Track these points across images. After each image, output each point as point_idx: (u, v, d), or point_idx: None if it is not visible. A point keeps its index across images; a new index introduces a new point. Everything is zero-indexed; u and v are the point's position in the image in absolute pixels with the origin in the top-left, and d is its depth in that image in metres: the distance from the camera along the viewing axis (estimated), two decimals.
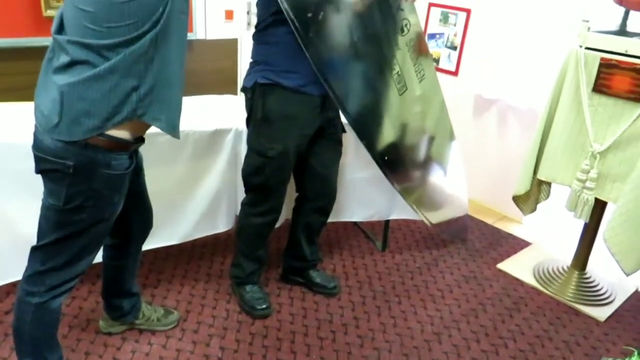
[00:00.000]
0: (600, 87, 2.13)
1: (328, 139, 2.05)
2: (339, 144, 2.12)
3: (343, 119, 2.01)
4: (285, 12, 1.63)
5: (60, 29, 1.34)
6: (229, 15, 3.35)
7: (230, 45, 3.38)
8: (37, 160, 1.36)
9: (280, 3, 1.62)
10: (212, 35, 3.27)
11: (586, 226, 2.46)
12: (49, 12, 2.63)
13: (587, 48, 2.16)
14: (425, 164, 2.49)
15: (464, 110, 3.27)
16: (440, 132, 2.52)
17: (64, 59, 1.29)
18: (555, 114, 2.30)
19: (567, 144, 2.27)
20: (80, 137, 1.29)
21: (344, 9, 1.79)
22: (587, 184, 2.22)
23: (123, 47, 1.27)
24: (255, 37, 1.87)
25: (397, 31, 2.02)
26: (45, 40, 2.58)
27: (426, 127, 2.40)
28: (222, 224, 2.30)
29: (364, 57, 1.91)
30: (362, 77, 1.93)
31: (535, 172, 2.40)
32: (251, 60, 1.90)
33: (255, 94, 1.86)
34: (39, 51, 2.56)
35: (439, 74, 2.50)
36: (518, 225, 3.13)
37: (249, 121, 1.94)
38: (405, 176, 2.35)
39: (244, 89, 1.93)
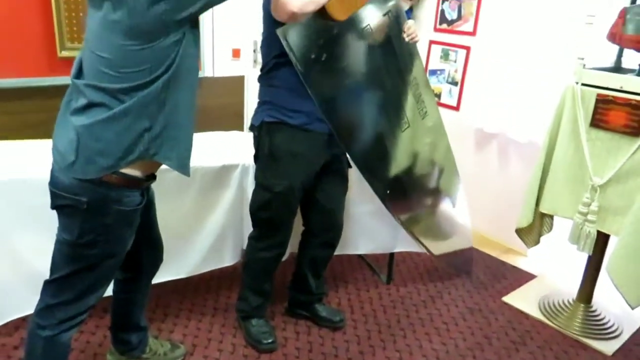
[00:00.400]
0: (597, 121, 2.19)
1: (334, 175, 2.11)
2: (344, 179, 2.17)
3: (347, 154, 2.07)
4: (289, 54, 1.71)
5: (79, 73, 1.42)
6: (236, 53, 3.47)
7: (237, 83, 3.48)
8: (53, 196, 1.42)
9: (284, 45, 1.70)
10: (219, 73, 3.38)
11: (590, 259, 2.48)
12: (64, 53, 2.75)
13: (583, 84, 2.23)
14: (431, 195, 2.53)
15: (466, 144, 3.33)
16: (446, 164, 2.57)
17: (81, 101, 1.37)
18: (555, 147, 2.35)
19: (568, 177, 2.31)
20: (94, 175, 1.35)
21: (347, 51, 1.87)
22: (589, 216, 2.25)
23: (137, 91, 1.34)
24: (260, 79, 1.96)
25: (399, 70, 2.10)
26: (60, 80, 2.72)
27: (431, 160, 2.46)
28: (229, 258, 2.34)
29: (366, 96, 1.98)
30: (364, 115, 2.00)
31: (537, 205, 2.43)
32: (258, 100, 1.98)
33: (262, 132, 1.93)
34: (53, 90, 2.71)
35: (440, 109, 2.56)
36: (522, 258, 3.14)
37: (256, 158, 2.01)
38: (409, 207, 2.39)
39: (251, 127, 2.00)
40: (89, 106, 1.35)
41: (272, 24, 1.74)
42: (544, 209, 2.41)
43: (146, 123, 1.37)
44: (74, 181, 1.36)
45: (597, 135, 2.20)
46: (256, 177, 2.02)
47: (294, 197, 1.99)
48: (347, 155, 2.10)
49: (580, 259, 2.59)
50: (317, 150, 1.96)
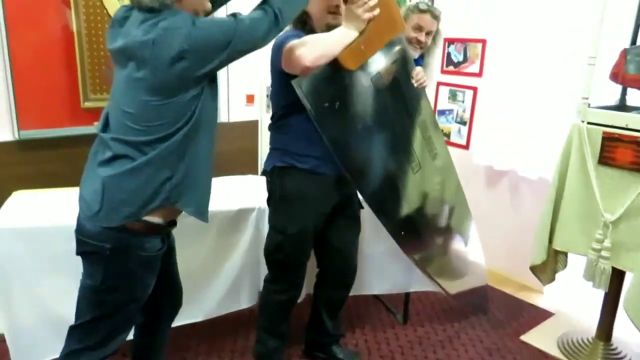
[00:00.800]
0: (605, 159, 2.23)
1: (346, 216, 2.15)
2: (357, 220, 2.22)
3: (360, 196, 2.12)
4: (303, 102, 1.80)
5: (105, 127, 1.51)
6: (250, 99, 3.59)
7: (251, 127, 3.59)
8: (79, 242, 1.49)
9: (299, 95, 1.78)
10: (234, 118, 3.50)
11: (607, 295, 2.46)
12: (87, 104, 2.88)
13: (589, 123, 2.28)
14: (444, 234, 2.56)
15: (477, 182, 3.37)
16: (457, 203, 2.60)
17: (107, 153, 1.45)
18: (565, 185, 2.38)
19: (579, 214, 2.33)
20: (118, 223, 1.42)
21: (358, 98, 1.95)
22: (603, 253, 2.26)
23: (159, 143, 1.43)
24: (271, 127, 2.04)
25: (409, 114, 2.17)
26: (82, 130, 2.85)
27: (442, 199, 2.50)
28: (245, 301, 2.37)
29: (377, 140, 2.05)
30: (376, 158, 2.06)
31: (550, 242, 2.45)
32: (270, 147, 2.06)
33: (274, 176, 2.00)
34: (76, 140, 2.83)
35: (450, 148, 2.62)
36: (539, 295, 3.12)
37: (269, 201, 2.07)
38: (422, 247, 2.41)
39: (264, 172, 2.07)
40: (114, 158, 1.44)
41: (280, 77, 1.84)
42: (557, 246, 2.42)
43: (167, 173, 1.44)
44: (98, 229, 1.43)
45: (606, 173, 2.24)
46: (269, 221, 2.07)
47: (306, 240, 2.04)
48: (359, 196, 2.15)
49: (597, 296, 2.57)
50: (327, 192, 2.02)
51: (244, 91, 3.53)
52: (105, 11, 2.86)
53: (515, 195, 3.24)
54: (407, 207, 2.25)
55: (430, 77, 2.42)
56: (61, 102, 2.82)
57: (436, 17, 2.32)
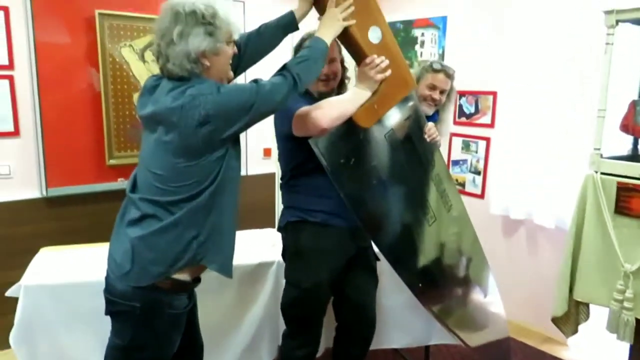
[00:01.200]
0: (621, 209, 2.24)
1: (362, 269, 2.17)
2: (373, 272, 2.23)
3: (376, 248, 2.15)
4: (320, 160, 1.86)
5: (134, 188, 1.58)
6: (267, 152, 3.70)
7: (268, 180, 3.68)
8: (108, 302, 1.53)
9: (316, 152, 1.85)
10: (252, 172, 3.60)
11: (632, 347, 2.41)
12: (111, 162, 3.00)
13: (602, 173, 2.31)
14: (463, 286, 2.54)
15: (493, 231, 3.37)
16: (474, 253, 2.60)
17: (135, 214, 1.52)
18: (582, 235, 2.38)
19: (599, 265, 2.32)
20: (147, 282, 1.47)
21: (372, 153, 2.01)
22: (625, 304, 2.23)
23: (186, 203, 1.49)
24: (282, 187, 2.12)
25: (422, 168, 2.22)
26: (107, 186, 2.96)
27: (459, 249, 2.51)
28: (266, 355, 2.36)
29: (392, 193, 2.10)
30: (391, 211, 2.10)
31: (571, 292, 2.42)
32: (283, 205, 2.12)
33: (288, 232, 2.05)
34: (101, 196, 2.94)
35: (465, 198, 2.65)
36: (563, 348, 3.05)
37: (284, 256, 2.11)
38: (441, 299, 2.40)
39: (279, 229, 2.12)
40: (143, 218, 1.50)
41: (286, 142, 1.95)
42: (578, 297, 2.40)
43: (194, 231, 1.50)
44: (128, 288, 1.47)
45: (623, 222, 2.24)
46: (285, 276, 2.10)
47: (322, 293, 2.05)
48: (375, 248, 2.17)
49: (623, 348, 2.51)
50: (340, 245, 2.04)
51: (261, 145, 3.65)
52: (131, 73, 3.02)
53: (533, 244, 3.23)
54: (424, 259, 2.26)
55: (445, 132, 2.48)
56: (88, 159, 2.95)
57: (449, 76, 2.41)
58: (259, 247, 2.46)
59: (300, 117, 1.78)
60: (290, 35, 1.82)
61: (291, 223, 2.03)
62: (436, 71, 2.38)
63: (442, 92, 2.40)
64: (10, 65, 2.69)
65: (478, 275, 2.63)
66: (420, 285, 2.17)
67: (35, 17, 2.67)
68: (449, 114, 2.60)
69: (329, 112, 1.74)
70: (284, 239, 2.10)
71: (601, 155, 2.33)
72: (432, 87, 2.38)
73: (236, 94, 1.51)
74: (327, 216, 1.99)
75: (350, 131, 1.88)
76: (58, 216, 2.87)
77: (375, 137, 1.99)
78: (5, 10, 2.64)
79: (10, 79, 2.69)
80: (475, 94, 3.41)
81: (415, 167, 2.19)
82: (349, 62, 2.00)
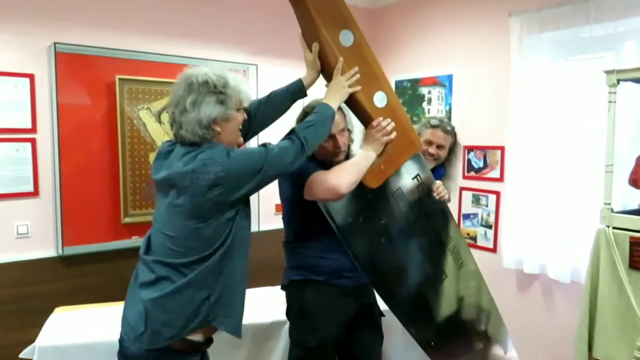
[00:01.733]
0: (635, 264, 2.21)
1: (366, 326, 2.15)
2: (378, 329, 2.20)
3: (381, 304, 2.13)
4: (329, 220, 1.90)
5: (148, 250, 1.62)
6: (278, 208, 3.72)
7: (280, 236, 3.68)
8: None
9: (324, 212, 1.89)
10: (264, 227, 3.62)
11: None
12: (127, 220, 3.06)
13: (614, 227, 2.30)
14: (476, 342, 2.49)
15: (507, 286, 3.32)
16: (488, 309, 2.56)
17: (149, 276, 1.55)
18: (598, 291, 2.34)
19: (617, 321, 2.27)
20: (161, 345, 1.48)
21: (381, 212, 2.04)
22: None
23: (197, 264, 1.53)
24: (285, 246, 2.15)
25: (432, 225, 2.24)
26: (121, 244, 3.01)
27: (473, 306, 2.47)
28: None
29: (402, 251, 2.11)
30: (402, 270, 2.11)
31: (590, 350, 2.36)
32: (286, 264, 2.14)
33: (292, 290, 2.06)
34: (115, 254, 2.98)
35: (477, 252, 2.63)
36: None
37: (288, 315, 2.11)
38: (454, 357, 2.35)
39: (282, 287, 2.13)
40: (156, 280, 1.54)
41: (292, 205, 2.00)
42: (597, 355, 2.33)
43: (205, 293, 1.53)
44: (142, 351, 1.49)
45: (638, 277, 2.21)
46: (290, 335, 2.09)
47: (327, 353, 2.02)
48: (379, 304, 2.16)
49: None
50: (345, 303, 2.04)
51: (273, 201, 3.69)
52: (147, 134, 3.13)
53: (549, 299, 3.17)
54: (435, 317, 2.24)
55: (454, 188, 2.51)
56: (103, 218, 3.01)
57: (447, 132, 2.49)
58: (271, 305, 2.45)
59: (316, 182, 1.82)
60: (299, 101, 1.90)
61: (295, 282, 2.05)
62: (434, 127, 2.46)
63: (439, 147, 2.46)
64: (33, 129, 2.81)
65: (493, 332, 2.58)
66: (432, 344, 2.15)
67: (59, 83, 2.81)
68: (457, 170, 2.64)
69: (347, 178, 1.79)
70: (287, 297, 2.11)
71: (612, 210, 2.33)
72: (429, 143, 2.45)
73: (245, 158, 1.57)
74: (331, 276, 2.00)
75: (358, 191, 1.92)
76: (73, 274, 2.91)
77: (384, 196, 2.02)
78: (31, 77, 2.79)
79: (33, 141, 2.81)
80: (483, 149, 3.45)
81: (424, 225, 2.20)
82: (355, 123, 2.08)
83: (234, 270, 1.60)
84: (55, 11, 2.85)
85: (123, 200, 3.04)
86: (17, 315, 2.73)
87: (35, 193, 2.84)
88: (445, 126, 2.49)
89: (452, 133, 2.52)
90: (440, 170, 2.56)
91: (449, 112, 3.64)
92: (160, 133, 3.16)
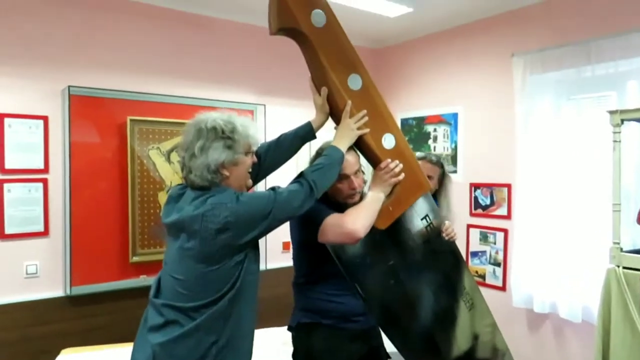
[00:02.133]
0: None
1: None
2: None
3: (387, 346, 2.10)
4: (336, 261, 1.90)
5: (157, 293, 1.63)
6: (286, 246, 3.74)
7: (288, 273, 3.66)
8: None
9: (331, 253, 1.90)
10: (271, 265, 3.61)
11: None
12: (135, 259, 3.07)
13: (624, 267, 2.28)
14: None
15: (518, 325, 3.27)
16: (499, 349, 2.52)
17: (158, 320, 1.55)
18: (610, 331, 2.31)
19: None
20: None
21: (389, 253, 2.04)
22: None
23: (206, 308, 1.53)
24: (294, 287, 2.14)
25: (441, 265, 2.23)
26: (129, 283, 3.00)
27: (486, 346, 2.43)
28: None
29: (410, 291, 2.09)
30: (411, 311, 2.08)
31: None
32: (294, 304, 2.13)
33: (299, 332, 2.05)
34: (123, 293, 2.97)
35: (486, 290, 2.60)
36: None
37: (295, 358, 2.08)
38: None
39: (289, 328, 2.12)
40: (165, 324, 1.53)
41: (303, 248, 2.01)
42: None
43: (213, 337, 1.52)
44: None
45: None
46: None
47: None
48: (385, 346, 2.13)
49: None
50: (352, 347, 2.01)
51: (280, 239, 3.69)
52: (157, 173, 3.17)
53: (561, 339, 3.11)
54: (444, 357, 2.20)
55: (451, 219, 2.51)
56: (112, 257, 3.02)
57: (433, 163, 2.57)
58: (278, 348, 2.43)
59: (333, 226, 1.82)
60: (308, 144, 1.93)
61: (303, 324, 2.04)
62: (419, 159, 2.49)
63: (428, 177, 2.48)
64: (46, 169, 2.86)
65: None
66: None
67: (72, 125, 2.88)
68: (448, 200, 2.65)
69: (362, 221, 1.80)
70: (295, 339, 2.09)
71: (621, 249, 2.32)
72: None
73: (254, 202, 1.59)
74: (340, 320, 1.99)
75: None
76: (80, 314, 2.90)
77: (392, 237, 2.02)
78: (45, 119, 2.86)
79: (45, 181, 2.85)
80: (490, 186, 3.46)
81: (434, 265, 2.19)
82: (364, 163, 2.10)
83: (243, 313, 1.60)
84: (70, 56, 2.94)
85: (132, 239, 3.06)
86: (23, 357, 2.71)
87: (45, 232, 2.86)
88: (430, 157, 2.58)
89: (439, 164, 2.60)
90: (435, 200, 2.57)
91: (455, 149, 3.67)
92: (169, 172, 3.20)
